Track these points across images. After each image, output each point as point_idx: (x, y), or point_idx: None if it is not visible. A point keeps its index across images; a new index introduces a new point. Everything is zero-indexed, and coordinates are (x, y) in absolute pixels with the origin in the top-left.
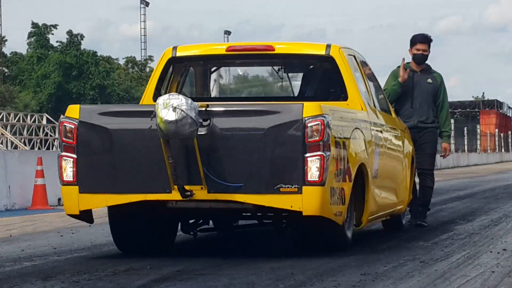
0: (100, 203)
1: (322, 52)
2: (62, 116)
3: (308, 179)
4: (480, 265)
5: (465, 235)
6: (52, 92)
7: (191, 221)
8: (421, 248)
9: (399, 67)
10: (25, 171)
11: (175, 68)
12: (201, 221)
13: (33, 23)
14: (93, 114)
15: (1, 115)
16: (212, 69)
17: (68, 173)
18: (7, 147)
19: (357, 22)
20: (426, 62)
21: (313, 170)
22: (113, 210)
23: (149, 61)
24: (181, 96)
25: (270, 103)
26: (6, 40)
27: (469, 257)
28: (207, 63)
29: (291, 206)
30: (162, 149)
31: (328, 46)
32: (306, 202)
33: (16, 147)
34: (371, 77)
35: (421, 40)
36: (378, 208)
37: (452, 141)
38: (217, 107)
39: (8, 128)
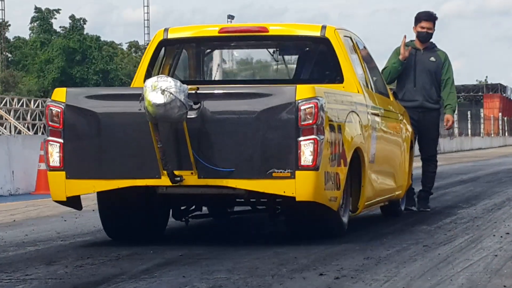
0: (87, 189)
1: (317, 34)
2: (48, 99)
3: (301, 163)
4: (483, 249)
5: (468, 219)
6: (56, 77)
7: (182, 208)
8: (424, 232)
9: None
10: (29, 156)
11: (167, 50)
12: (193, 207)
13: (36, 8)
14: (80, 98)
15: (5, 100)
16: (206, 51)
17: (55, 158)
18: (10, 132)
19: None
20: (431, 40)
21: (306, 154)
22: (102, 196)
23: None
24: (169, 79)
25: (262, 85)
26: (9, 25)
27: (472, 241)
28: (199, 45)
29: (284, 192)
30: (150, 133)
31: (324, 27)
32: (299, 187)
33: (19, 132)
34: (369, 60)
35: (426, 18)
36: (375, 194)
37: (455, 125)
38: (208, 90)
39: (12, 113)
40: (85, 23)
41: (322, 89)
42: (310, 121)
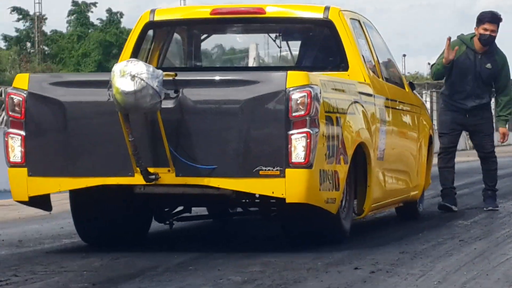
0: (52, 188)
1: (320, 16)
2: (9, 87)
3: (292, 160)
4: None
5: (504, 214)
6: (93, 70)
7: (166, 209)
8: (461, 227)
9: (457, 39)
10: None
11: (156, 34)
12: (179, 209)
13: (73, 1)
14: (44, 85)
15: None
16: (201, 36)
17: (16, 153)
18: None
19: (396, 1)
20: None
21: (298, 150)
22: (74, 196)
23: None
24: (141, 63)
25: (249, 72)
26: (46, 18)
27: (508, 235)
28: (191, 28)
29: (273, 192)
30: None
31: (327, 9)
32: (289, 187)
33: None
34: (380, 46)
35: (490, 20)
36: (385, 194)
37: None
38: (187, 76)
39: None
40: (122, 17)
41: (317, 76)
42: (303, 112)
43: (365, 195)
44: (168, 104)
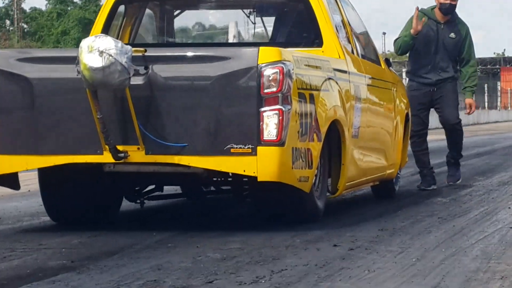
0: (18, 166)
1: None
2: None
3: (264, 138)
4: (498, 221)
5: (483, 192)
6: (72, 48)
7: (137, 188)
8: (439, 204)
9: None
10: None
11: (127, 10)
12: (150, 187)
13: None
14: (11, 61)
15: None
16: (176, 12)
17: None
18: None
19: None
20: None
21: (270, 127)
22: (43, 175)
23: None
24: (109, 38)
25: (220, 47)
26: None
27: (487, 213)
28: (163, 4)
29: (244, 170)
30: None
31: None
32: (261, 165)
33: None
34: (356, 23)
35: None
36: (360, 173)
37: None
38: (157, 52)
39: None
40: None
41: (290, 52)
42: (275, 89)
43: (339, 173)
44: (137, 80)
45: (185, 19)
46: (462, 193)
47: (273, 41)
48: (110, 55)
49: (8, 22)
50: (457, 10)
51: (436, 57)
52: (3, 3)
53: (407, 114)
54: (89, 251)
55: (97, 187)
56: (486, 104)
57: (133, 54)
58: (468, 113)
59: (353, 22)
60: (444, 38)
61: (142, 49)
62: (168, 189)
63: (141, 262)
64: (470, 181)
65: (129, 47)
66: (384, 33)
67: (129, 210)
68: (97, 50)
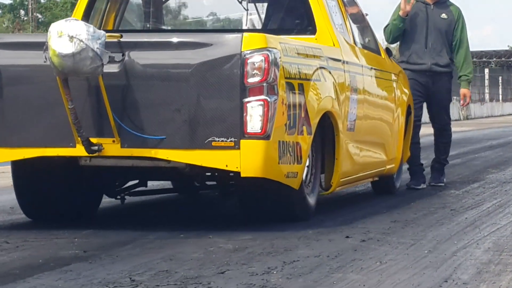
0: None
1: None
2: None
3: (248, 130)
4: (510, 214)
5: (496, 184)
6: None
7: (117, 183)
8: (452, 196)
9: None
10: None
11: None
12: (132, 182)
13: None
14: None
15: None
16: None
17: None
18: None
19: None
20: None
21: (254, 119)
22: (15, 169)
23: None
24: (80, 22)
25: (201, 33)
26: None
27: (500, 205)
28: None
29: (226, 165)
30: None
31: None
32: (245, 160)
33: None
34: (354, 10)
35: None
36: (356, 168)
37: (486, 90)
38: (133, 38)
39: None
40: None
41: (277, 39)
42: (259, 78)
43: (333, 169)
44: (112, 68)
45: (175, 5)
46: (475, 185)
47: (264, 28)
48: (81, 41)
49: (22, 12)
50: (470, 3)
51: (429, 39)
52: None
53: (409, 107)
54: (101, 241)
55: (74, 182)
56: (500, 96)
57: (108, 40)
58: (463, 105)
59: (350, 9)
60: (435, 19)
61: (117, 34)
62: (159, 184)
63: (153, 253)
64: (483, 174)
65: (102, 32)
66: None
67: (140, 202)
68: (67, 35)
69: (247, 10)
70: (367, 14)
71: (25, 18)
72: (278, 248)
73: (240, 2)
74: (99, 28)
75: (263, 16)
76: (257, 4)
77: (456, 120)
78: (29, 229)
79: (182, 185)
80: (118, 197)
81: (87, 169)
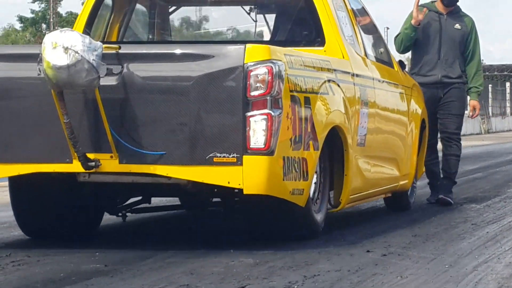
0: None
1: None
2: None
3: (251, 146)
4: None
5: None
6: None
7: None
8: (473, 210)
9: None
10: None
11: (115, 4)
12: (136, 199)
13: None
14: None
15: None
16: (171, 9)
17: None
18: None
19: None
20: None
21: (257, 134)
22: (13, 185)
23: None
24: (76, 33)
25: (201, 44)
26: (61, 0)
27: None
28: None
29: (228, 182)
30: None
31: None
32: (247, 176)
33: None
34: (365, 21)
35: None
36: (367, 184)
37: (507, 104)
38: (132, 50)
39: None
40: None
41: (282, 50)
42: (263, 91)
43: (342, 185)
44: (110, 81)
45: (183, 17)
46: (496, 200)
47: (272, 40)
48: (76, 52)
49: (44, 26)
50: (491, 16)
51: (441, 50)
52: (40, 7)
53: (423, 121)
54: (122, 255)
55: (73, 199)
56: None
57: (106, 51)
58: (472, 116)
59: (362, 20)
60: (448, 29)
61: (115, 46)
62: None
63: (174, 267)
64: (504, 188)
65: (99, 43)
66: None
67: (159, 217)
68: (62, 46)
69: (255, 21)
70: (388, 28)
71: (47, 32)
72: (299, 262)
73: (249, 14)
74: (103, 40)
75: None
76: (266, 15)
77: (477, 133)
78: (50, 243)
79: (188, 201)
80: (120, 214)
81: (87, 186)
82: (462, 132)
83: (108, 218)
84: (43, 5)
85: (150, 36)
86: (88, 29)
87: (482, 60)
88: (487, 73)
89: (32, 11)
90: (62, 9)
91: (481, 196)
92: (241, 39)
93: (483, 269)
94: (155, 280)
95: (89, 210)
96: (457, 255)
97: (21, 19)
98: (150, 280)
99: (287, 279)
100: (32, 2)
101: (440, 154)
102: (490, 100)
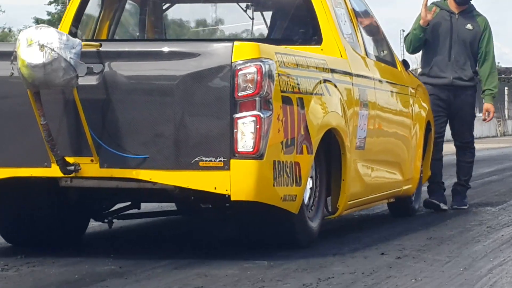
0: None
1: None
2: None
3: (239, 149)
4: None
5: None
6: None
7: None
8: (488, 213)
9: (430, 4)
10: None
11: (106, 0)
12: (120, 205)
13: None
14: None
15: None
16: (164, 6)
17: None
18: None
19: None
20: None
21: (245, 137)
22: None
23: None
24: (52, 30)
25: (187, 42)
26: None
27: None
28: None
29: (215, 188)
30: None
31: None
32: (235, 182)
33: None
34: (366, 19)
35: None
36: (367, 190)
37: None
38: (114, 48)
39: None
40: None
41: (272, 48)
42: (251, 91)
43: (340, 190)
44: (90, 80)
45: (178, 14)
46: None
47: (268, 38)
48: (53, 50)
49: None
50: (508, 19)
51: (452, 51)
52: (56, 9)
53: (428, 123)
54: (136, 257)
55: (55, 205)
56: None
57: (86, 49)
58: (485, 120)
59: (362, 17)
60: (460, 29)
61: (96, 43)
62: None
63: (188, 269)
64: None
65: (77, 40)
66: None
67: (173, 219)
68: (37, 44)
69: (252, 19)
70: (403, 31)
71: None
72: (313, 265)
73: (245, 11)
74: (92, 38)
75: None
76: (264, 13)
77: (493, 136)
78: (65, 245)
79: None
80: (106, 220)
81: (70, 191)
82: (478, 135)
83: (120, 221)
84: (59, 7)
85: (140, 34)
86: (75, 27)
87: (498, 62)
88: (503, 75)
89: (48, 13)
90: None
91: (497, 199)
92: (238, 38)
93: (498, 272)
94: (169, 282)
95: (73, 216)
96: (472, 258)
97: (38, 21)
98: (165, 282)
99: (301, 281)
100: (48, 4)
101: (444, 157)
102: (506, 102)
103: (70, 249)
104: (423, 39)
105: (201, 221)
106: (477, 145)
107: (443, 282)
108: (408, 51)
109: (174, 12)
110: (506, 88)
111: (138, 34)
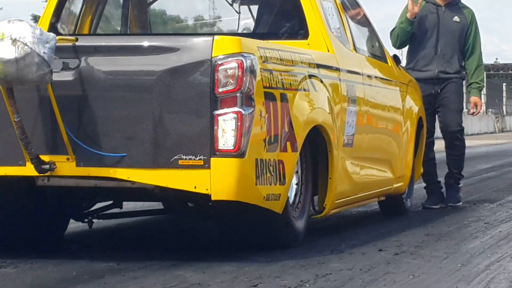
0: None
1: None
2: None
3: (219, 147)
4: None
5: None
6: None
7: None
8: (486, 209)
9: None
10: None
11: None
12: (100, 204)
13: None
14: None
15: None
16: (149, 0)
17: None
18: None
19: None
20: None
21: (226, 134)
22: None
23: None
24: (24, 23)
25: (166, 36)
26: None
27: None
28: None
29: (195, 187)
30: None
31: None
32: (216, 181)
33: None
34: (355, 13)
35: None
36: (355, 188)
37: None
38: (90, 42)
39: None
40: None
41: (254, 43)
42: (232, 87)
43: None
44: (66, 76)
45: (164, 8)
46: (510, 198)
47: (253, 32)
48: (25, 44)
49: None
50: (508, 17)
51: (439, 44)
52: None
53: (420, 119)
54: (134, 254)
55: (32, 205)
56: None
57: (61, 43)
58: (473, 114)
59: (351, 11)
60: (447, 22)
61: (72, 38)
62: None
63: (185, 265)
64: None
65: (52, 34)
66: None
67: (172, 216)
68: (9, 38)
69: (239, 13)
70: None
71: None
72: (311, 261)
73: (231, 5)
74: (74, 33)
75: None
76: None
77: (491, 132)
78: (62, 241)
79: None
80: (86, 220)
81: (49, 191)
82: (476, 131)
83: (119, 220)
84: None
85: (123, 29)
86: (55, 21)
87: (496, 59)
88: (501, 71)
89: None
90: None
91: (495, 195)
92: (226, 32)
93: (495, 268)
94: (167, 278)
95: (51, 216)
96: (469, 254)
97: (35, 17)
98: (162, 279)
99: (299, 277)
100: (45, 1)
101: (437, 154)
102: (504, 98)
103: (68, 246)
104: (411, 32)
105: (198, 219)
106: (475, 141)
107: (441, 278)
108: (394, 46)
109: (160, 6)
110: (504, 84)
111: (120, 28)
